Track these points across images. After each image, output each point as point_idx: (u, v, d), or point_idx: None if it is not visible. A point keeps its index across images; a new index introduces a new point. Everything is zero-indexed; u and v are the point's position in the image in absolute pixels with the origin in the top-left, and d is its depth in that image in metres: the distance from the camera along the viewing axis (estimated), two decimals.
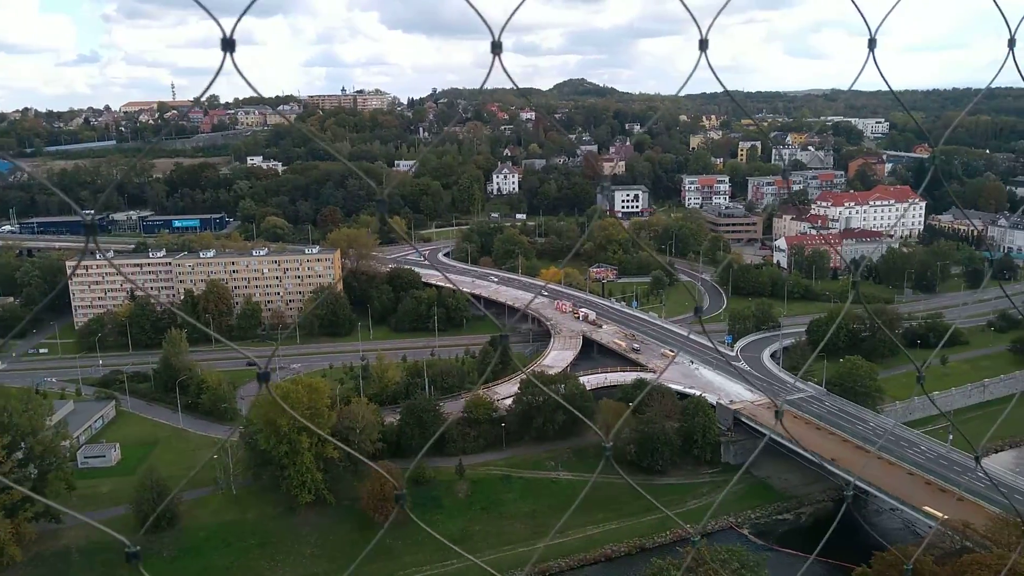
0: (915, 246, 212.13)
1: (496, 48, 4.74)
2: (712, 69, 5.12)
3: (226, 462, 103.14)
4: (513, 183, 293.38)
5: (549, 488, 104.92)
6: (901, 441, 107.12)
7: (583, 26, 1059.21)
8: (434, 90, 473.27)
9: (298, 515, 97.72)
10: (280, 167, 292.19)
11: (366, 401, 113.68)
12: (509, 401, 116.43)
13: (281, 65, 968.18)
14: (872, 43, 5.63)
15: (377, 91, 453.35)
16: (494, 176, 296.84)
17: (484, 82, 5.05)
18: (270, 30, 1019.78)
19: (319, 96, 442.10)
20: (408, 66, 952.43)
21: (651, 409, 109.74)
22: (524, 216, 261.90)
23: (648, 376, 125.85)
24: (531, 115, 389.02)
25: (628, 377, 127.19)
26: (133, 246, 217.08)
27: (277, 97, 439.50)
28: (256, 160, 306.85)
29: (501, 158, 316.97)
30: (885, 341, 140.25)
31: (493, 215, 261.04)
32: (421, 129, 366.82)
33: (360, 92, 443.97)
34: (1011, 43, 6.18)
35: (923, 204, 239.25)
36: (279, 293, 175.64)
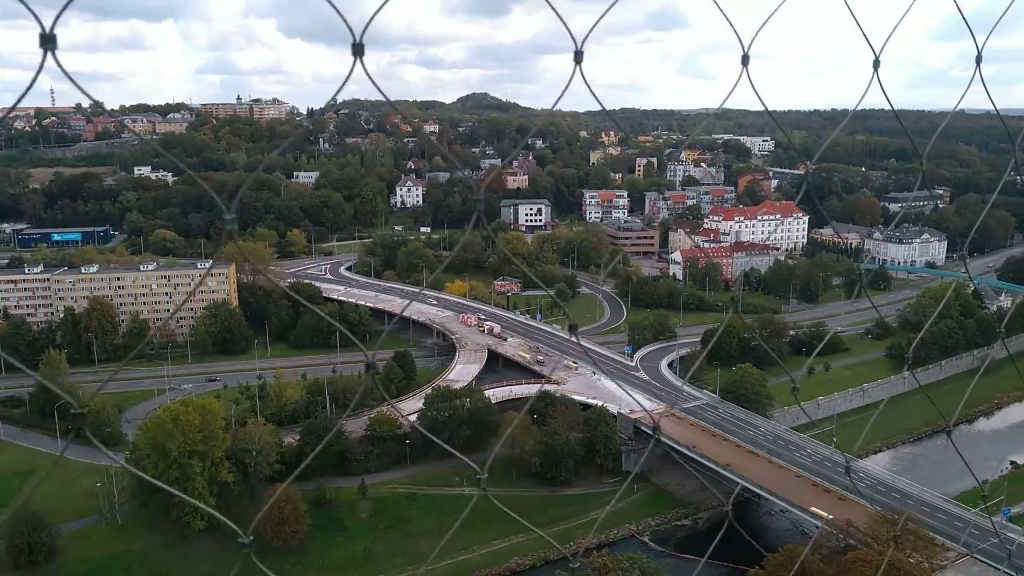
0: (799, 258, 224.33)
1: (357, 50, 4.60)
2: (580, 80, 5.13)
3: (111, 490, 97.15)
4: (417, 196, 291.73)
5: (455, 504, 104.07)
6: (789, 445, 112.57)
7: (486, 40, 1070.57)
8: (335, 100, 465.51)
9: (190, 543, 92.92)
10: (170, 177, 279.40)
11: (263, 422, 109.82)
12: (414, 417, 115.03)
13: (172, 72, 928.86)
14: (745, 59, 5.81)
15: (275, 100, 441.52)
16: (398, 189, 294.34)
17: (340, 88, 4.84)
18: (160, 35, 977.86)
19: (213, 104, 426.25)
20: (308, 76, 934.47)
21: (555, 421, 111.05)
22: (428, 229, 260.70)
23: (553, 388, 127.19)
24: (435, 128, 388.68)
25: (532, 389, 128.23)
26: (7, 261, 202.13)
27: (167, 104, 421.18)
28: (144, 170, 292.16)
29: (404, 171, 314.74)
30: (774, 349, 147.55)
31: (397, 228, 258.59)
32: (322, 140, 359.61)
33: (257, 101, 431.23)
34: (876, 64, 6.49)
35: (806, 218, 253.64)
36: (169, 310, 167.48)
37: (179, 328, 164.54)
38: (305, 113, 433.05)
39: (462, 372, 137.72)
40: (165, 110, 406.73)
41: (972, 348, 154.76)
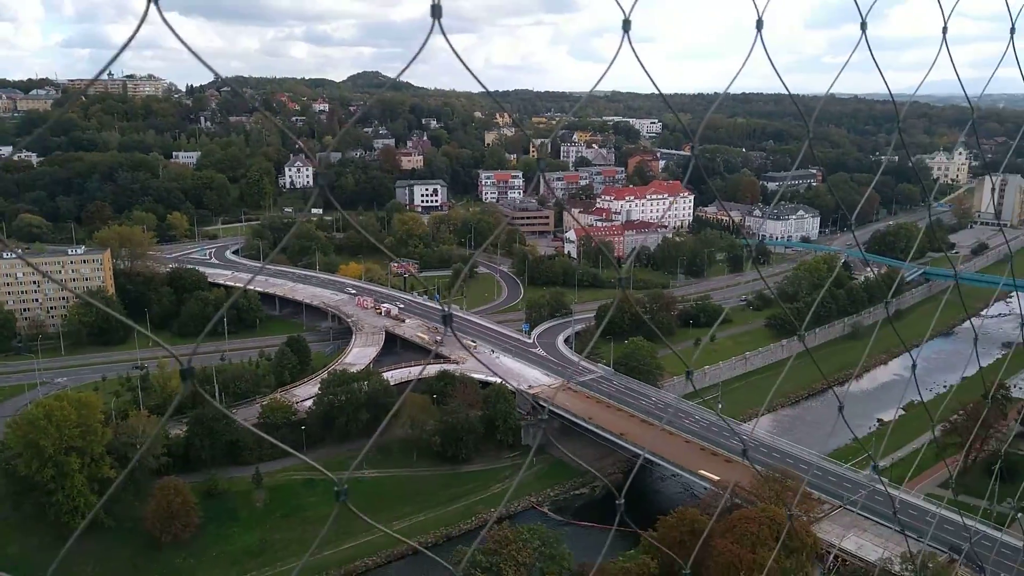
0: (686, 235, 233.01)
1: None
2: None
3: None
4: (307, 176, 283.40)
5: (354, 488, 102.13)
6: (679, 412, 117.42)
7: (377, 18, 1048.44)
8: (217, 77, 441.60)
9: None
10: (35, 158, 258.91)
11: (146, 414, 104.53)
12: (309, 403, 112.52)
13: (34, 44, 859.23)
14: (626, 24, 5.77)
15: (151, 76, 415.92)
16: (286, 169, 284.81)
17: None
18: (20, 4, 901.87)
19: (81, 80, 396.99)
20: (186, 51, 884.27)
21: (454, 399, 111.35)
22: (320, 211, 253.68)
23: (452, 367, 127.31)
24: (324, 106, 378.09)
25: (432, 370, 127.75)
26: None
27: (30, 80, 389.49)
28: (5, 150, 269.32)
29: (293, 150, 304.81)
30: (664, 322, 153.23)
31: (286, 209, 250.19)
32: (203, 118, 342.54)
33: (130, 77, 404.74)
34: (759, 24, 6.62)
35: (692, 197, 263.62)
36: (38, 300, 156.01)
37: (50, 319, 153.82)
38: (184, 90, 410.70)
39: (359, 355, 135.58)
40: (27, 86, 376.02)
41: (843, 316, 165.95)
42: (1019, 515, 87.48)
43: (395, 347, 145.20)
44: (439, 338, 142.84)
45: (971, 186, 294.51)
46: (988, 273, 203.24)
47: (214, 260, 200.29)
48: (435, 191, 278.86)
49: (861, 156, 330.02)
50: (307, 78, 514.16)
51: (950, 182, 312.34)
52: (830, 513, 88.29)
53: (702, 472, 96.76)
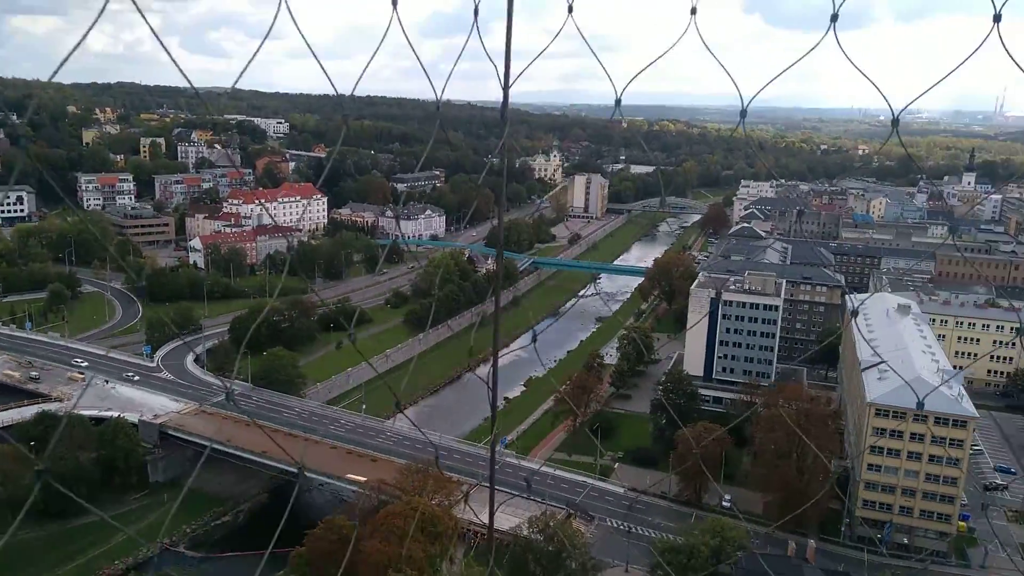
0: (322, 238, 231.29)
1: None
2: None
3: None
4: None
5: None
6: (324, 419, 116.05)
7: None
8: None
9: None
10: None
11: None
12: None
13: None
14: None
15: None
16: None
17: None
18: None
19: None
20: None
21: (59, 444, 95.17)
22: None
23: (55, 407, 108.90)
24: None
25: (27, 412, 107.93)
26: None
27: None
28: None
29: None
30: (303, 329, 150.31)
31: None
32: None
33: None
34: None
35: (325, 199, 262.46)
36: None
37: None
38: None
39: None
40: None
41: (471, 306, 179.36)
42: (616, 465, 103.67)
43: None
44: (34, 374, 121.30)
45: (565, 184, 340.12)
46: (583, 259, 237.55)
47: None
48: (19, 199, 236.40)
49: (476, 159, 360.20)
50: None
51: (548, 181, 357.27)
52: (470, 492, 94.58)
53: (349, 476, 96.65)
